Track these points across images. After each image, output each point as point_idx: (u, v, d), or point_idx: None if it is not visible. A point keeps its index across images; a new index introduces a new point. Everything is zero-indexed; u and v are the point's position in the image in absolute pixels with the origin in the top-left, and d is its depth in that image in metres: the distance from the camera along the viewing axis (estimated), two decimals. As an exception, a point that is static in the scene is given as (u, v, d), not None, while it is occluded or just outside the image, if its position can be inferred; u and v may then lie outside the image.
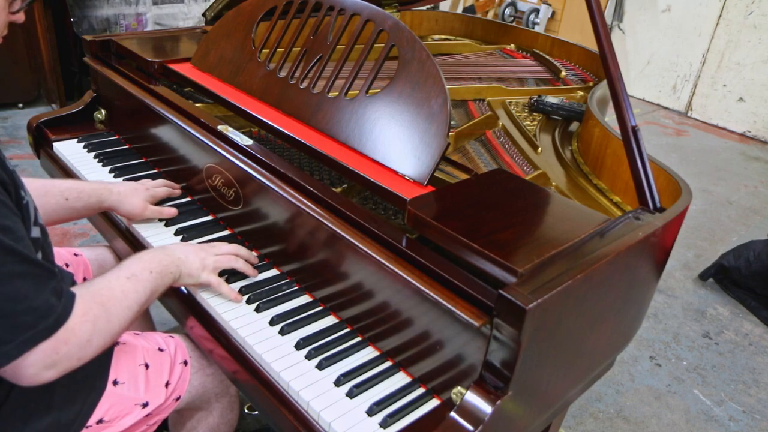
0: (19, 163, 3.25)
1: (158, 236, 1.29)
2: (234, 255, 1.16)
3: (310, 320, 1.11)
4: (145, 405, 1.08)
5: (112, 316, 0.93)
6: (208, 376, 1.19)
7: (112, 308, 0.94)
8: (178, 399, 1.14)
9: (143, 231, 1.31)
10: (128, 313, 0.97)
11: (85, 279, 1.34)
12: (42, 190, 1.22)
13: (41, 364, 0.84)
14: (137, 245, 1.32)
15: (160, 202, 1.37)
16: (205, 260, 1.13)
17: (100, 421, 1.04)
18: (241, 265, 1.16)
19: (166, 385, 1.11)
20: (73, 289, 0.91)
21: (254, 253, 1.22)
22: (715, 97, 5.00)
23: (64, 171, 1.57)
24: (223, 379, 1.22)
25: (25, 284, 0.82)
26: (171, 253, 1.10)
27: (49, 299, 0.84)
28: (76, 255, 1.37)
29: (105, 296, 0.94)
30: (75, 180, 1.30)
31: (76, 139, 1.65)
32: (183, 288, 1.19)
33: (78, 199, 1.26)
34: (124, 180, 1.48)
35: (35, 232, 0.96)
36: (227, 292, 1.12)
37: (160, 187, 1.37)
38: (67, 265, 1.31)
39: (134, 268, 1.02)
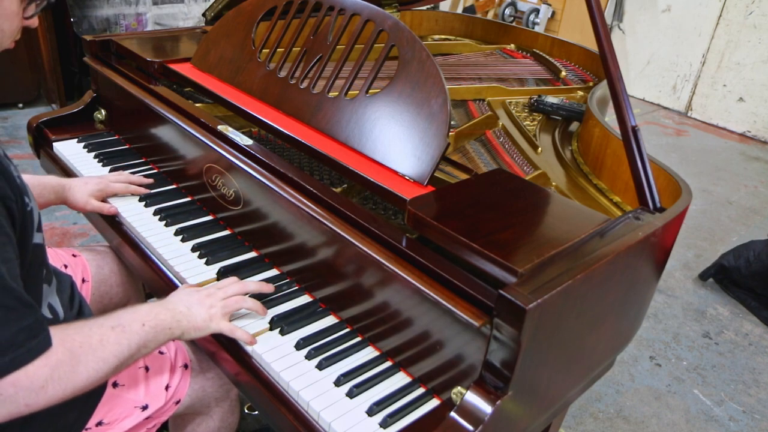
0: (19, 163, 3.25)
1: (158, 236, 1.29)
2: (242, 294, 1.09)
3: (310, 320, 1.11)
4: (144, 408, 1.08)
5: (78, 365, 0.84)
6: (209, 380, 1.19)
7: (82, 357, 0.85)
8: (177, 402, 1.14)
9: (142, 230, 1.31)
10: (102, 365, 0.87)
11: (83, 280, 1.34)
12: None
13: None
14: (137, 245, 1.32)
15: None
16: (211, 309, 1.04)
17: (99, 423, 1.04)
18: (250, 305, 1.08)
19: (166, 388, 1.11)
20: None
21: (269, 285, 1.13)
22: (715, 97, 5.00)
23: (64, 171, 1.57)
24: (223, 383, 1.22)
25: None
26: (172, 308, 1.01)
27: (15, 336, 0.77)
28: (74, 256, 1.37)
29: (77, 342, 0.85)
30: (38, 176, 1.31)
31: (76, 139, 1.65)
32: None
33: (40, 196, 1.29)
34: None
35: (38, 239, 0.95)
36: (242, 336, 1.04)
37: (119, 182, 1.38)
38: (65, 267, 1.31)
39: (124, 319, 0.93)
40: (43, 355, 0.80)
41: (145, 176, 1.45)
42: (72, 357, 0.84)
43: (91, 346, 0.87)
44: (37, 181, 1.29)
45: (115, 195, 1.38)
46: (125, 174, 1.42)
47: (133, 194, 1.40)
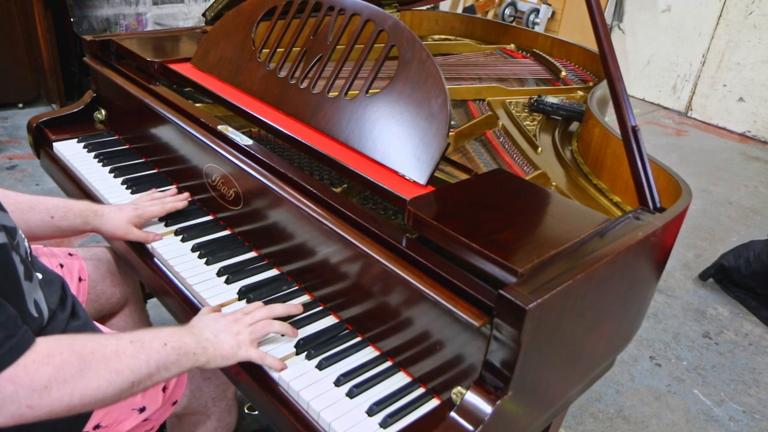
0: (19, 163, 3.26)
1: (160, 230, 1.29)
2: (269, 319, 1.05)
3: (310, 320, 1.11)
4: (142, 410, 1.08)
5: (88, 371, 0.80)
6: (206, 380, 1.19)
7: (93, 363, 0.81)
8: (175, 403, 1.14)
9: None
10: (115, 377, 0.83)
11: (80, 279, 1.33)
12: (27, 205, 1.18)
13: None
14: (137, 245, 1.32)
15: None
16: (239, 335, 1.00)
17: (97, 427, 1.04)
18: (278, 328, 1.04)
19: (163, 389, 1.11)
20: (57, 336, 0.82)
21: (297, 306, 1.10)
22: (715, 97, 5.00)
23: (64, 171, 1.57)
24: (220, 383, 1.22)
25: None
26: (198, 334, 0.97)
27: None
28: (70, 255, 1.36)
29: (89, 348, 0.82)
30: (64, 199, 1.25)
31: (76, 139, 1.65)
32: (184, 289, 1.19)
33: (63, 218, 1.21)
34: (124, 179, 1.48)
35: (1, 238, 0.89)
36: (272, 363, 1.00)
37: (153, 205, 1.30)
38: (61, 266, 1.30)
39: (145, 336, 0.90)
40: (42, 352, 0.78)
41: (161, 190, 1.40)
42: (81, 361, 0.80)
43: (105, 354, 0.83)
44: (62, 203, 1.23)
45: (152, 218, 1.30)
46: (157, 193, 1.35)
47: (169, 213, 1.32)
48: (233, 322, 1.02)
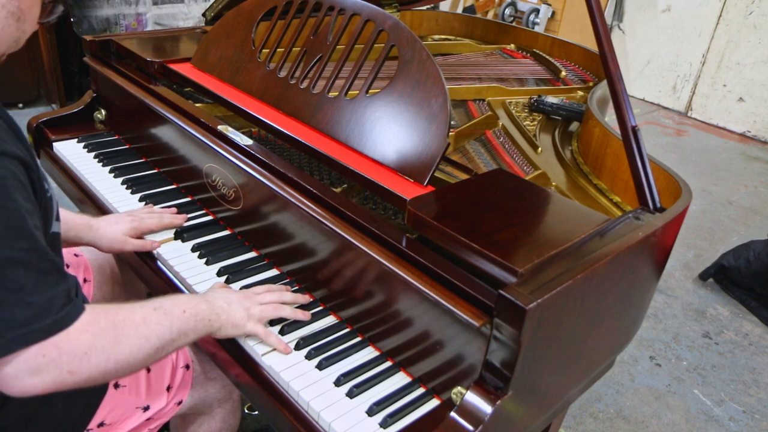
0: (19, 163, 3.25)
1: (159, 236, 1.29)
2: (279, 303, 1.08)
3: (311, 320, 1.11)
4: (146, 409, 1.08)
5: (121, 337, 0.85)
6: (211, 380, 1.19)
7: (125, 329, 0.86)
8: (179, 403, 1.14)
9: (143, 231, 1.30)
10: (144, 342, 0.87)
11: (85, 280, 1.34)
12: None
13: (24, 367, 0.76)
14: (137, 245, 1.32)
15: None
16: (250, 310, 1.04)
17: (101, 424, 1.04)
18: (288, 313, 1.07)
19: (168, 389, 1.11)
20: (91, 305, 0.85)
21: (305, 295, 1.13)
22: (715, 97, 5.00)
23: (64, 171, 1.57)
24: (225, 384, 1.21)
25: (26, 275, 0.75)
26: (212, 301, 1.02)
27: (52, 300, 0.77)
28: (76, 255, 1.37)
29: (120, 316, 0.87)
30: (62, 210, 1.20)
31: (76, 139, 1.65)
32: (184, 289, 1.19)
33: None
34: (124, 179, 1.48)
35: (56, 227, 0.94)
36: (276, 342, 1.03)
37: (151, 218, 1.28)
38: (67, 266, 1.31)
39: (165, 303, 0.94)
40: (83, 320, 0.81)
41: (168, 206, 1.38)
42: (114, 328, 0.84)
43: (134, 321, 0.88)
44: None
45: (149, 231, 1.28)
46: (155, 208, 1.35)
47: (167, 228, 1.30)
48: (245, 298, 1.06)
